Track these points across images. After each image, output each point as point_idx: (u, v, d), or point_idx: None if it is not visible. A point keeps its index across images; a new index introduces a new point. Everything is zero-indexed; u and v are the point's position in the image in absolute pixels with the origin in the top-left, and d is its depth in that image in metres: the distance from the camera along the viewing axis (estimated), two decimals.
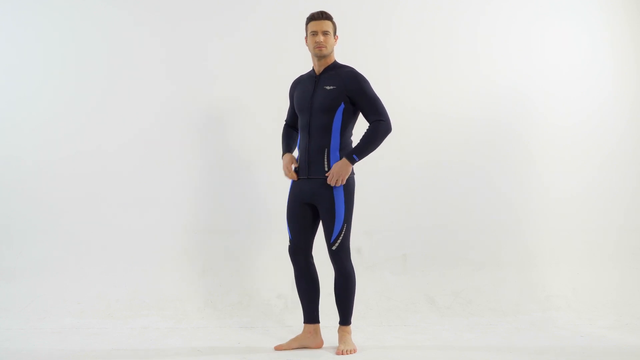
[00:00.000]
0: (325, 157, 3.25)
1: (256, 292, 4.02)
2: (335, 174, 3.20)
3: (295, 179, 3.33)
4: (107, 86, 4.15)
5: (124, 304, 3.92)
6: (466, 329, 3.74)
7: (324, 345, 3.40)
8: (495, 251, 4.21)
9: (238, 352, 3.29)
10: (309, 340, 3.38)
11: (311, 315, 3.40)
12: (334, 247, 3.26)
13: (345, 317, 3.34)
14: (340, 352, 3.26)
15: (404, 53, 4.26)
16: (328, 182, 3.20)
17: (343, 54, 4.11)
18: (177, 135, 4.15)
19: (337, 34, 3.35)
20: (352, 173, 3.30)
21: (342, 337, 3.33)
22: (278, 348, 3.34)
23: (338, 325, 3.37)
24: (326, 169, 3.25)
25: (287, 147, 3.46)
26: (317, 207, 3.31)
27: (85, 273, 4.01)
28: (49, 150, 4.10)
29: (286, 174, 3.36)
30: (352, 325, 3.39)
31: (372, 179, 4.18)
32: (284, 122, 3.55)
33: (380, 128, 3.22)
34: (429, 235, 4.19)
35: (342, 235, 3.25)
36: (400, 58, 4.26)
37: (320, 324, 3.43)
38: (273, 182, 3.99)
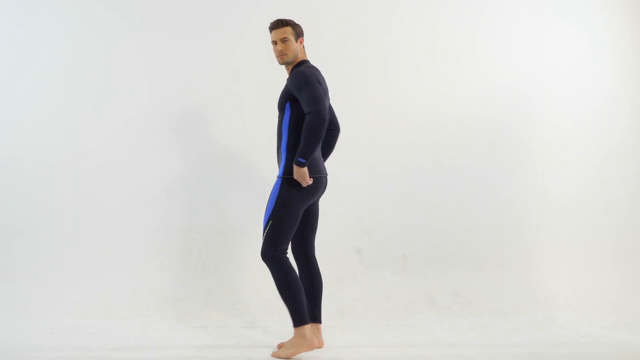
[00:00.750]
0: (279, 156, 3.33)
1: (256, 292, 4.02)
2: (298, 178, 3.19)
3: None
4: (106, 87, 4.15)
5: (124, 303, 3.91)
6: (466, 329, 3.74)
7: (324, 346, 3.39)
8: (495, 251, 4.21)
9: (239, 352, 3.29)
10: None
11: (312, 314, 3.37)
12: (262, 242, 3.25)
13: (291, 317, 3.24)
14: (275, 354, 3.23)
15: (403, 54, 4.26)
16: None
17: (343, 55, 4.13)
18: (177, 135, 4.15)
19: (302, 36, 3.33)
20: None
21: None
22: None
23: None
24: (278, 168, 3.31)
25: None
26: None
27: (86, 273, 4.01)
28: (49, 151, 4.10)
29: None
30: (351, 325, 3.38)
31: (372, 179, 4.18)
32: None
33: (308, 122, 3.11)
34: (429, 235, 4.19)
35: (266, 230, 3.22)
36: (400, 59, 4.26)
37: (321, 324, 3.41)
38: (273, 182, 3.99)
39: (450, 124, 4.25)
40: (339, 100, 4.22)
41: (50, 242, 4.05)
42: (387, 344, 3.44)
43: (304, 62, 3.34)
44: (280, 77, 3.53)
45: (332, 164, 4.16)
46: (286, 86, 3.29)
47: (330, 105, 3.42)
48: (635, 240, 4.31)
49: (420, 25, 4.28)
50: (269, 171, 3.94)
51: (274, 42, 3.30)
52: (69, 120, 4.12)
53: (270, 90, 4.04)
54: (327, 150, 3.50)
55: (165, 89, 4.16)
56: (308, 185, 3.22)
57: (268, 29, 3.34)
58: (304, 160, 3.14)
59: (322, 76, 3.32)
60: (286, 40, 3.27)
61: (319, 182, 3.28)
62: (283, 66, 3.40)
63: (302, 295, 3.23)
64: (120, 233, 4.07)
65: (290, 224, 3.23)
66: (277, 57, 3.32)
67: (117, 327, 3.73)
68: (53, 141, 4.11)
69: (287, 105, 3.27)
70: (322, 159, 3.39)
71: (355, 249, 4.13)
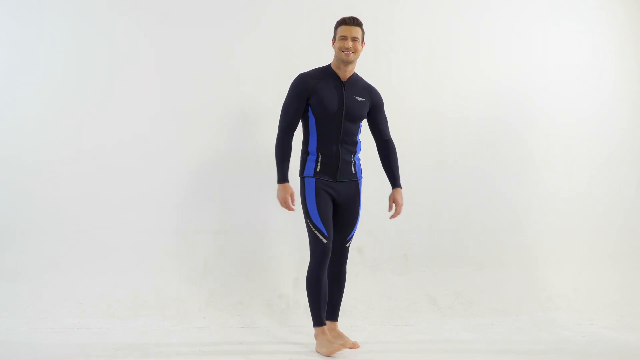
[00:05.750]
0: (353, 163, 3.40)
1: (257, 292, 4.02)
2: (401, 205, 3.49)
3: (293, 210, 3.35)
4: (108, 86, 4.14)
5: (125, 303, 3.91)
6: (467, 329, 3.74)
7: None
8: (496, 251, 4.21)
9: (240, 352, 3.29)
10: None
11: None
12: (346, 250, 3.44)
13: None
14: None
15: (405, 54, 4.26)
16: (397, 214, 3.49)
17: None
18: (178, 135, 4.15)
19: (364, 40, 3.39)
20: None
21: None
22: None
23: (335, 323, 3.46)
24: (353, 172, 3.40)
25: (284, 173, 3.36)
26: (340, 206, 3.39)
27: (87, 273, 4.01)
28: (51, 150, 4.10)
29: (286, 207, 3.34)
30: (352, 325, 3.41)
31: (374, 179, 4.18)
32: (284, 128, 3.34)
33: (393, 149, 3.52)
34: (430, 235, 4.19)
35: (353, 236, 3.46)
36: (401, 59, 4.26)
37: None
38: (273, 182, 3.99)
39: (451, 123, 4.25)
40: None
41: (51, 242, 4.05)
42: (388, 344, 3.44)
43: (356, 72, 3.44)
44: (284, 78, 3.51)
45: None
46: (368, 100, 3.39)
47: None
48: (636, 240, 4.32)
49: (422, 25, 4.28)
50: (270, 172, 3.93)
51: (343, 37, 3.28)
52: (71, 120, 4.12)
53: (274, 91, 4.04)
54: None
55: (168, 89, 4.16)
56: None
57: (337, 23, 3.32)
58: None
59: None
60: (356, 40, 3.30)
61: None
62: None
63: None
64: (122, 233, 4.07)
65: None
66: (342, 52, 3.28)
67: (118, 326, 3.73)
68: (55, 141, 4.11)
69: (365, 117, 3.44)
70: None
71: (356, 249, 4.13)
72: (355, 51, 3.29)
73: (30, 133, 4.11)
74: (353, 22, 3.29)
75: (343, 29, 3.28)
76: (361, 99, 3.35)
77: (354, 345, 3.32)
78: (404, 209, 4.20)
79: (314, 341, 3.34)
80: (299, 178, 3.41)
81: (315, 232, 3.31)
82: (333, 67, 3.36)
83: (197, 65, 4.17)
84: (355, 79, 3.40)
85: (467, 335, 3.61)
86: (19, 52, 4.13)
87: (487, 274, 4.16)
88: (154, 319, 3.82)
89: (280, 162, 3.33)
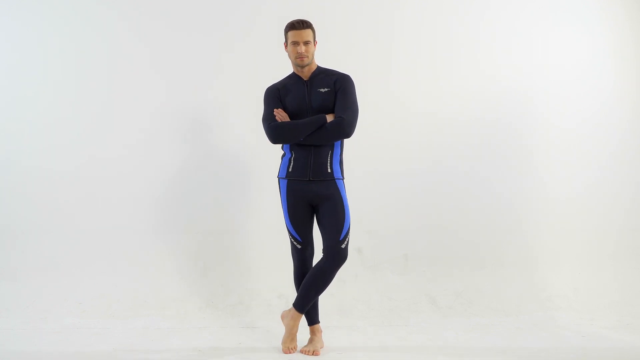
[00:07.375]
0: (329, 159, 3.25)
1: (257, 292, 4.02)
2: None
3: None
4: (107, 89, 4.16)
5: (125, 304, 3.92)
6: (467, 329, 3.74)
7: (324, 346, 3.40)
8: (496, 251, 4.21)
9: (239, 352, 3.29)
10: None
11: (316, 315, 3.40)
12: (342, 247, 3.22)
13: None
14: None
15: (405, 55, 4.26)
16: None
17: (344, 55, 4.12)
18: (177, 136, 4.15)
19: (316, 39, 3.32)
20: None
21: None
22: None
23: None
24: (329, 171, 3.24)
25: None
26: (319, 207, 3.26)
27: (87, 273, 4.02)
28: (51, 152, 4.11)
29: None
30: (352, 325, 3.39)
31: (374, 179, 4.18)
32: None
33: (341, 125, 3.17)
34: (430, 235, 4.19)
35: (348, 233, 3.22)
36: (401, 60, 4.26)
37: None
38: (273, 182, 3.99)
39: (451, 124, 4.25)
40: None
41: (51, 243, 4.05)
42: (388, 344, 3.44)
43: (319, 66, 3.35)
44: (281, 77, 3.52)
45: None
46: (332, 88, 3.24)
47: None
48: (636, 240, 4.31)
49: (422, 26, 4.28)
50: (270, 171, 3.94)
51: (295, 43, 3.23)
52: (71, 122, 4.13)
53: None
54: None
55: (168, 90, 4.17)
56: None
57: (286, 27, 3.26)
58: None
59: None
60: (308, 43, 3.24)
61: None
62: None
63: None
64: (122, 233, 4.08)
65: None
66: (295, 58, 3.25)
67: (118, 327, 3.73)
68: (55, 143, 4.12)
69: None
70: None
71: (356, 249, 4.13)
72: (309, 55, 3.26)
73: (30, 134, 4.12)
74: (302, 25, 3.23)
75: (293, 35, 3.23)
76: (325, 90, 3.24)
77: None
78: (404, 209, 4.22)
79: None
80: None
81: (290, 237, 3.33)
82: (294, 70, 3.35)
83: (197, 67, 4.18)
84: (320, 72, 3.31)
85: (467, 335, 3.61)
86: (19, 52, 4.14)
87: (488, 274, 4.16)
88: (154, 319, 3.82)
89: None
